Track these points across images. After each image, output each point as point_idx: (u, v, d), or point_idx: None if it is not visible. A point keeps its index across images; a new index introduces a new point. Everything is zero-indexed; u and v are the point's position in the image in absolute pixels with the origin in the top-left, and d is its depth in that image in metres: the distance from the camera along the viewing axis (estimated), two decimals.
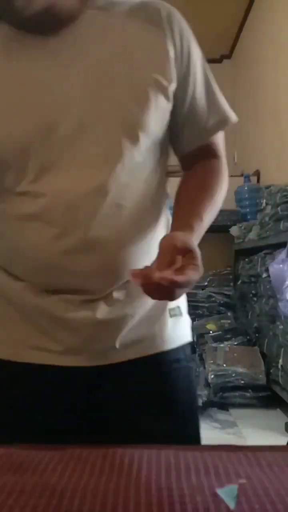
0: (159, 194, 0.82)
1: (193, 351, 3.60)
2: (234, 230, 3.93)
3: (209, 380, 2.88)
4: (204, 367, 3.07)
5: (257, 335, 3.28)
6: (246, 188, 4.12)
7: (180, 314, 0.85)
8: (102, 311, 0.75)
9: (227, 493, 0.44)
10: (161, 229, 0.84)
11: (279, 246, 2.65)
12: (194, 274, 0.63)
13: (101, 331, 0.76)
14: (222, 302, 4.10)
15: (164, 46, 0.76)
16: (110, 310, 0.76)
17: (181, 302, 0.86)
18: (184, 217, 0.80)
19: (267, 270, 2.76)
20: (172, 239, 0.68)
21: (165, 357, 0.81)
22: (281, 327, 2.73)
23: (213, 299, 4.10)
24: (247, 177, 4.20)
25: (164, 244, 0.67)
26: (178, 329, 0.84)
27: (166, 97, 0.75)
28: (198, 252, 0.67)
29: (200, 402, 2.66)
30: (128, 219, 0.75)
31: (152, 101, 0.73)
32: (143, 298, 0.73)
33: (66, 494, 0.45)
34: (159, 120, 0.76)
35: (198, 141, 0.86)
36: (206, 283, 4.14)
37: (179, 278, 0.60)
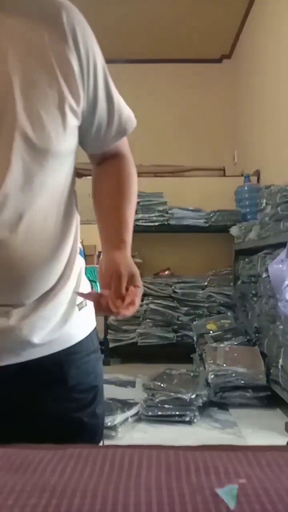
0: (65, 202, 0.82)
1: (193, 351, 3.61)
2: (234, 230, 3.93)
3: (209, 380, 2.88)
4: (204, 367, 3.07)
5: (257, 335, 3.28)
6: (246, 188, 4.12)
7: (86, 304, 0.89)
8: (14, 318, 0.77)
9: (227, 493, 0.44)
10: (69, 240, 0.85)
11: (279, 246, 2.65)
12: (139, 295, 0.73)
13: (15, 336, 0.78)
14: (222, 302, 4.10)
15: (68, 61, 0.72)
16: (22, 316, 0.78)
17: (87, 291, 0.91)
18: (114, 229, 0.84)
19: (267, 270, 2.76)
20: (115, 264, 0.75)
21: (77, 348, 0.86)
22: (281, 327, 2.73)
23: (213, 299, 4.11)
24: (247, 177, 4.21)
25: (109, 268, 0.75)
26: (86, 318, 0.89)
27: (76, 117, 0.75)
28: (138, 272, 0.76)
29: (200, 402, 2.66)
30: (31, 231, 0.75)
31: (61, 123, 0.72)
32: (58, 300, 0.80)
33: (66, 494, 0.45)
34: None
35: (100, 150, 0.89)
36: (206, 283, 4.14)
37: (130, 311, 0.70)
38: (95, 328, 0.92)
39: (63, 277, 0.83)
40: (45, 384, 0.82)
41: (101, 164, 0.92)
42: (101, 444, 0.90)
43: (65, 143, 0.74)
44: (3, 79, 0.67)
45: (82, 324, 0.89)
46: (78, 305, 0.87)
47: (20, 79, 0.68)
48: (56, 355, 0.82)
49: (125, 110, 0.87)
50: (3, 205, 0.70)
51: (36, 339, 0.79)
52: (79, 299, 0.86)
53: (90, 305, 0.88)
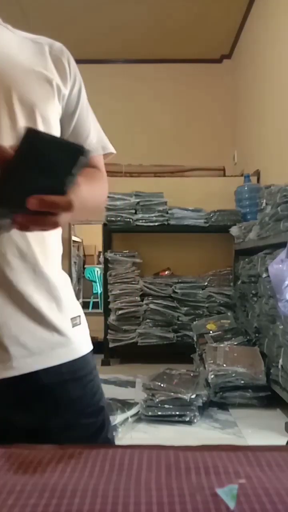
0: None
1: (193, 351, 3.61)
2: (234, 230, 3.93)
3: (209, 380, 2.88)
4: (204, 367, 3.07)
5: (257, 335, 3.28)
6: (246, 188, 4.12)
7: (80, 323, 0.83)
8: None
9: (227, 493, 0.44)
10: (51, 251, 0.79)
11: (279, 246, 2.65)
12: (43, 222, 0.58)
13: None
14: (222, 302, 4.11)
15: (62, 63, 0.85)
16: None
17: (81, 311, 0.85)
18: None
19: (267, 270, 2.76)
20: None
21: (80, 363, 0.78)
22: (281, 327, 2.73)
23: (213, 299, 4.11)
24: (247, 177, 4.21)
25: None
26: (84, 333, 0.84)
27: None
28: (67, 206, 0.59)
29: (200, 402, 2.67)
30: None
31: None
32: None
33: (66, 494, 0.45)
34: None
35: None
36: (206, 283, 4.14)
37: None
38: (91, 352, 0.84)
39: None
40: (52, 409, 0.73)
41: None
42: None
43: (52, 109, 0.80)
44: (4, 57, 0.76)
45: (84, 337, 0.83)
46: (72, 319, 0.81)
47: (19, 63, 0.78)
48: (58, 371, 0.74)
49: (103, 134, 0.95)
50: None
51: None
52: (72, 313, 0.81)
53: (84, 324, 0.85)
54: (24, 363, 0.69)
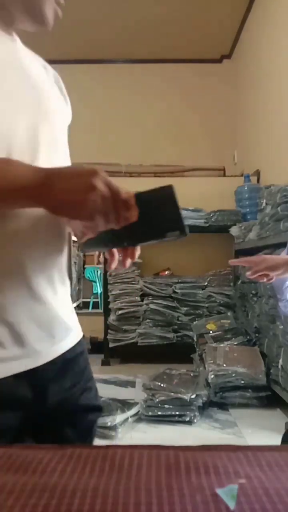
0: None
1: (193, 351, 3.61)
2: (234, 230, 3.93)
3: (209, 380, 2.88)
4: (204, 367, 3.07)
5: (257, 335, 3.28)
6: (246, 188, 4.12)
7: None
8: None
9: (227, 493, 0.43)
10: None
11: (279, 246, 2.65)
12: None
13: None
14: (222, 302, 4.11)
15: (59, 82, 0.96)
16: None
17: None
18: None
19: None
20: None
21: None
22: (281, 327, 2.73)
23: (213, 299, 4.11)
24: (247, 177, 4.21)
25: None
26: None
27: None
28: None
29: (200, 402, 2.67)
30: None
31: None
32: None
33: (66, 494, 0.45)
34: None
35: None
36: (206, 283, 4.14)
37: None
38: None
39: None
40: (76, 376, 0.88)
41: None
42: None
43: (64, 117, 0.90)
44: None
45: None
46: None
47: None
48: (73, 349, 0.88)
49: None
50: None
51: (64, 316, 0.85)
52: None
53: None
54: (64, 343, 0.85)
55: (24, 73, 0.80)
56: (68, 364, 0.85)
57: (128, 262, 0.83)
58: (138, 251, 0.82)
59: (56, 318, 0.81)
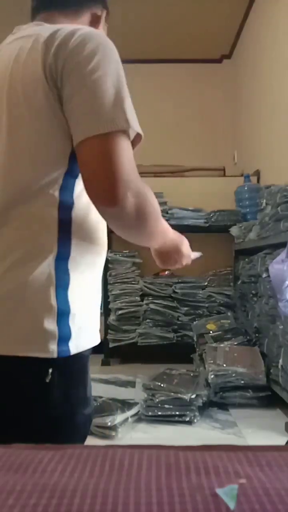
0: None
1: (193, 351, 3.61)
2: (234, 230, 3.93)
3: (209, 380, 2.88)
4: (204, 367, 3.07)
5: (257, 335, 3.28)
6: (246, 188, 4.12)
7: None
8: None
9: (227, 493, 0.43)
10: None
11: (279, 246, 2.65)
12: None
13: None
14: (222, 302, 4.10)
15: None
16: None
17: None
18: None
19: (267, 270, 2.76)
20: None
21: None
22: (281, 327, 2.73)
23: (213, 299, 4.10)
24: (247, 177, 4.20)
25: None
26: None
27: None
28: None
29: (200, 402, 2.66)
30: None
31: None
32: None
33: (66, 494, 0.45)
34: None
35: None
36: (206, 283, 4.14)
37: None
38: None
39: None
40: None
41: None
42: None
43: None
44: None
45: None
46: None
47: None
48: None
49: (114, 107, 0.80)
50: None
51: None
52: None
53: None
54: None
55: None
56: None
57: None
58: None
59: None
